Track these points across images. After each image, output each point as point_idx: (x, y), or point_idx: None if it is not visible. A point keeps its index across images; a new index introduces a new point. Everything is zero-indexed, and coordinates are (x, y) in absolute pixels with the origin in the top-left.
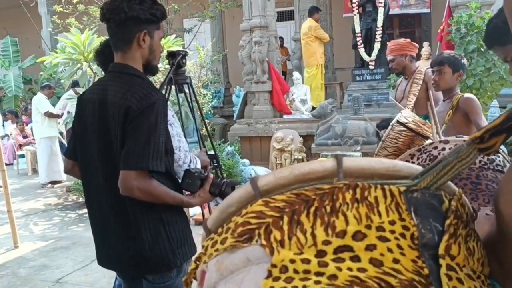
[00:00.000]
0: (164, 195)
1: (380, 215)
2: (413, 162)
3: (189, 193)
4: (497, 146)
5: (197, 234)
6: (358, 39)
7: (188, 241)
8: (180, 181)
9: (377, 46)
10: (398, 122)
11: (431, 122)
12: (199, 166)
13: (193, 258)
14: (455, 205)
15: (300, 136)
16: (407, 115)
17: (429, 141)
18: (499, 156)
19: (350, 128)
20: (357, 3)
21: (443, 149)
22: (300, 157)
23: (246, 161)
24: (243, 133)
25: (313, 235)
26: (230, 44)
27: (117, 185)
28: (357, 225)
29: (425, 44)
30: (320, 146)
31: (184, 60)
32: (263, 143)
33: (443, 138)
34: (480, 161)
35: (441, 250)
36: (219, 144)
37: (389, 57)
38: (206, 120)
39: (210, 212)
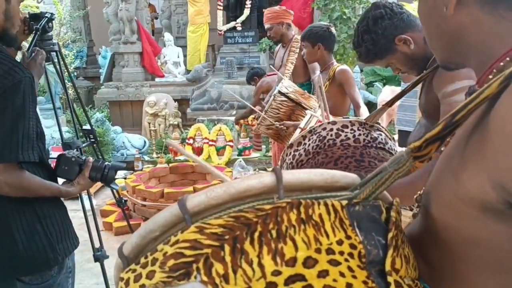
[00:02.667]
0: (38, 188)
1: (327, 235)
2: (305, 143)
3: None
4: (431, 153)
5: (70, 210)
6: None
7: (69, 233)
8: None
9: (246, 12)
10: (279, 92)
11: (318, 99)
12: None
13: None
14: (394, 216)
15: (175, 100)
16: (287, 85)
17: (310, 115)
18: (381, 135)
19: (225, 92)
20: None
21: (331, 129)
22: (175, 122)
23: (118, 128)
24: (112, 97)
25: (261, 266)
26: None
27: None
28: (307, 250)
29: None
30: (196, 111)
31: (50, 24)
32: (134, 108)
33: (331, 119)
34: (364, 140)
35: (387, 267)
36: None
37: (266, 26)
38: (69, 84)
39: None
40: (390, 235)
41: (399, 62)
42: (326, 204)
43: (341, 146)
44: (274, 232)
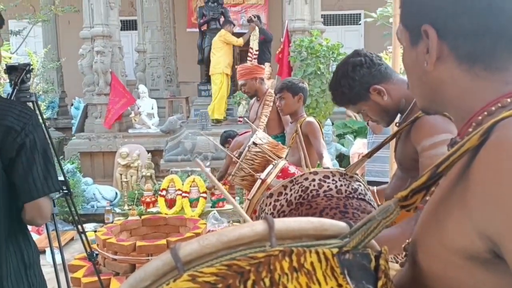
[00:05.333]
0: None
1: (319, 283)
2: (286, 193)
3: None
4: (418, 203)
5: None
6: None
7: (46, 284)
8: None
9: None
10: (254, 143)
11: (300, 153)
12: None
13: None
14: (383, 264)
15: (148, 151)
16: (261, 136)
17: (271, 166)
18: (361, 186)
19: (199, 144)
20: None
21: (313, 180)
22: (148, 173)
23: (89, 179)
24: (83, 148)
25: None
26: (65, 50)
27: None
28: None
29: (266, 64)
30: (170, 162)
31: (28, 75)
32: (106, 159)
33: (312, 169)
34: (346, 191)
35: None
36: (58, 161)
37: (240, 82)
38: None
39: (48, 235)
40: (380, 283)
41: (370, 110)
42: (317, 252)
43: (325, 197)
44: (267, 281)
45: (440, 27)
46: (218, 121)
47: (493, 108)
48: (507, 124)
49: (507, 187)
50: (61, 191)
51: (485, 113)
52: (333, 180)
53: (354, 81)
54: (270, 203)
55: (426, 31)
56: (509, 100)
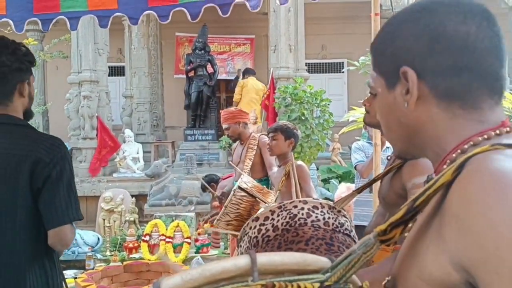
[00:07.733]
0: None
1: None
2: (273, 219)
3: None
4: (396, 237)
5: None
6: None
7: None
8: None
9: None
10: (239, 187)
11: (292, 190)
12: None
13: None
14: None
15: (132, 196)
16: (247, 180)
17: (262, 209)
18: (347, 221)
19: (184, 188)
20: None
21: (302, 208)
22: (132, 218)
23: None
24: None
25: None
26: (52, 95)
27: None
28: None
29: (252, 110)
30: (154, 207)
31: None
32: (89, 204)
33: (302, 198)
34: (333, 224)
35: None
36: None
37: (224, 126)
38: None
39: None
40: None
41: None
42: (299, 287)
43: (312, 226)
44: None
45: (418, 67)
46: None
47: (466, 146)
48: (478, 159)
49: (479, 218)
50: None
51: (459, 151)
52: (321, 211)
53: None
54: (255, 226)
55: (405, 73)
56: (480, 138)
